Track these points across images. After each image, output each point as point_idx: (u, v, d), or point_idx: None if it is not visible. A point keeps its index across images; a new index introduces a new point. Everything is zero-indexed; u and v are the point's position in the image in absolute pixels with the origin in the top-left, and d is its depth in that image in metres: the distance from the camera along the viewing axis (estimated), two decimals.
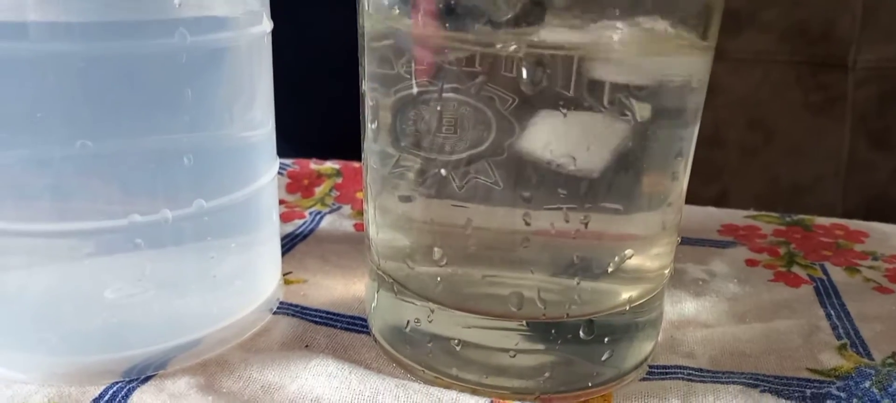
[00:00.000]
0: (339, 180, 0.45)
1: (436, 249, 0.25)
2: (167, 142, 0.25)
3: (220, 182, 0.27)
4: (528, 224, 0.24)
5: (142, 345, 0.26)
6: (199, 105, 0.25)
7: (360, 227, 0.40)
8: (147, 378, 0.26)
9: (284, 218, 0.40)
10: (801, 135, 1.07)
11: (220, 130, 0.26)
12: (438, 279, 0.25)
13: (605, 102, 0.23)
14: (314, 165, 0.46)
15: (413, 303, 0.26)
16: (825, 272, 0.37)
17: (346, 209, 0.42)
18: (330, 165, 0.46)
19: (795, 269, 0.37)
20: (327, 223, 0.40)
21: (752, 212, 0.44)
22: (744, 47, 1.05)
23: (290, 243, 0.37)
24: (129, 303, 0.26)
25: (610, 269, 0.25)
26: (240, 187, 0.28)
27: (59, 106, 0.23)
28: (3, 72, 0.23)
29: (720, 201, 0.80)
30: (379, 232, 0.27)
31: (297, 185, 0.43)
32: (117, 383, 0.25)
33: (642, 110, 0.24)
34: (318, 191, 0.44)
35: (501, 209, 0.24)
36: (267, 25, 0.28)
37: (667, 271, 0.28)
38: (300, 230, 0.39)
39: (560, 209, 0.24)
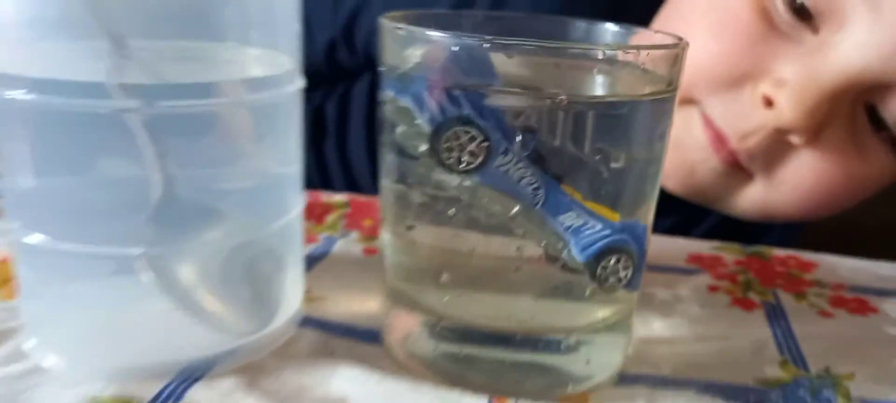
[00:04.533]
0: (348, 210, 0.50)
1: (444, 274, 0.30)
2: (222, 181, 0.30)
3: (265, 211, 0.32)
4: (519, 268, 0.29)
5: (193, 350, 0.31)
6: (250, 150, 0.31)
7: (368, 252, 0.45)
8: (196, 379, 0.30)
9: None
10: None
11: (264, 169, 0.32)
12: (446, 295, 0.31)
13: (586, 155, 0.29)
14: (325, 198, 0.51)
15: (424, 314, 0.31)
16: (776, 298, 0.42)
17: (355, 235, 0.47)
18: (339, 198, 0.51)
19: (751, 295, 0.42)
20: (339, 247, 0.45)
21: (716, 244, 0.50)
22: None
23: (308, 264, 0.42)
24: (179, 316, 0.30)
25: (587, 293, 0.30)
26: (276, 218, 0.33)
27: (135, 151, 0.28)
28: (88, 124, 0.28)
29: None
30: (396, 256, 0.33)
31: (311, 213, 0.48)
32: (172, 382, 0.30)
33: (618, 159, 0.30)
34: (329, 218, 0.49)
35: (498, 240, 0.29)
36: (300, 82, 0.33)
37: (634, 294, 0.33)
38: (315, 252, 0.44)
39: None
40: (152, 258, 0.29)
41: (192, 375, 0.31)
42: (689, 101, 0.46)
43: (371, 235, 0.47)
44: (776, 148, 0.44)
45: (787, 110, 0.42)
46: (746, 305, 0.41)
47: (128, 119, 0.28)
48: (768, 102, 0.43)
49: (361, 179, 0.65)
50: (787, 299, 0.42)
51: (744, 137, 0.44)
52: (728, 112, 0.44)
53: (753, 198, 0.47)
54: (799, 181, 0.44)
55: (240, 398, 0.29)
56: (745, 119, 0.44)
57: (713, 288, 0.43)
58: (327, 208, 0.50)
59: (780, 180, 0.45)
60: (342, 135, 0.65)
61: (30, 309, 0.32)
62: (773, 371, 0.35)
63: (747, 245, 0.50)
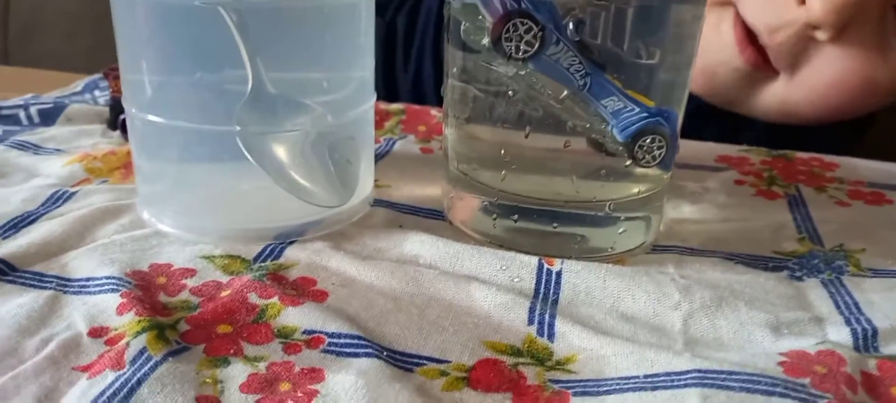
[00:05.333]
0: (404, 117, 0.55)
1: (501, 157, 0.35)
2: (311, 73, 0.35)
3: (343, 104, 0.37)
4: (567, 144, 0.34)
5: (286, 219, 0.36)
6: (333, 47, 0.35)
7: (425, 150, 0.49)
8: (291, 242, 0.36)
9: None
10: None
11: (346, 68, 0.36)
12: (503, 174, 0.35)
13: (625, 49, 0.33)
14: (383, 105, 0.56)
15: (483, 193, 0.36)
16: (798, 190, 0.46)
17: (411, 137, 0.52)
18: (395, 106, 0.56)
19: (774, 188, 0.47)
20: (398, 147, 0.50)
21: (744, 147, 0.53)
22: None
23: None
24: (276, 190, 0.35)
25: (626, 164, 0.35)
26: (352, 109, 0.38)
27: (232, 43, 0.33)
28: (192, 19, 0.33)
29: None
30: (459, 145, 0.37)
31: None
32: (270, 244, 0.35)
33: (653, 55, 0.34)
34: (388, 124, 0.54)
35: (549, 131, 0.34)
36: None
37: (666, 175, 0.37)
38: (379, 151, 0.49)
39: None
40: (247, 136, 0.34)
41: (286, 238, 0.36)
42: (720, 4, 0.49)
43: (425, 138, 0.52)
44: (803, 45, 0.48)
45: (817, 6, 0.45)
46: (769, 196, 0.45)
47: (222, 14, 0.33)
48: (801, 0, 0.46)
49: (429, 92, 0.69)
50: (807, 191, 0.46)
51: (774, 31, 0.48)
52: (762, 8, 0.48)
53: (773, 96, 0.51)
54: (819, 78, 0.48)
55: (328, 256, 0.35)
56: (776, 15, 0.47)
57: (739, 182, 0.47)
58: (386, 115, 0.55)
59: (802, 77, 0.49)
60: (409, 46, 0.69)
61: (146, 188, 0.38)
62: (791, 246, 0.39)
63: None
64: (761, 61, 0.49)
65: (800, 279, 0.36)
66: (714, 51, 0.51)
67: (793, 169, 0.50)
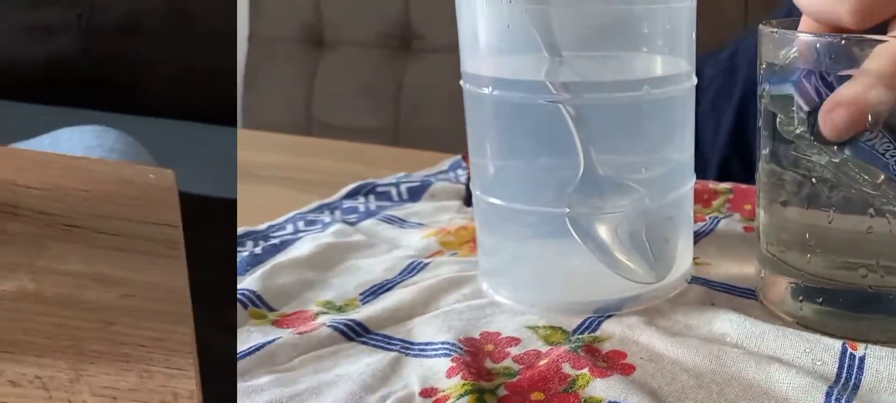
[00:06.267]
0: (731, 196, 0.55)
1: (807, 235, 0.36)
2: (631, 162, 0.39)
3: (661, 187, 0.40)
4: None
5: (607, 294, 0.40)
6: (653, 135, 0.39)
7: (748, 229, 0.50)
8: (609, 316, 0.39)
9: None
10: None
11: (663, 151, 0.40)
12: (808, 256, 0.35)
13: None
14: (712, 185, 0.57)
15: (790, 275, 0.37)
16: None
17: (737, 216, 0.52)
18: (724, 186, 0.57)
19: None
20: (722, 225, 0.51)
21: None
22: None
23: (696, 238, 0.48)
24: (598, 266, 0.39)
25: None
26: (672, 192, 0.40)
27: (566, 134, 0.38)
28: (533, 113, 0.39)
29: None
30: (768, 227, 0.38)
31: (699, 198, 0.55)
32: (590, 317, 0.39)
33: None
34: (715, 202, 0.55)
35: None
36: (694, 80, 0.40)
37: None
38: (702, 229, 0.50)
39: None
40: (575, 217, 0.39)
41: (605, 312, 0.39)
42: None
43: (750, 216, 0.52)
44: None
45: None
46: None
47: (561, 109, 0.38)
48: None
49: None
50: None
51: None
52: None
53: None
54: None
55: (640, 331, 0.37)
56: None
57: None
58: (714, 193, 0.56)
59: None
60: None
61: (486, 262, 0.45)
62: None
63: None
64: None
65: None
66: None
67: None
